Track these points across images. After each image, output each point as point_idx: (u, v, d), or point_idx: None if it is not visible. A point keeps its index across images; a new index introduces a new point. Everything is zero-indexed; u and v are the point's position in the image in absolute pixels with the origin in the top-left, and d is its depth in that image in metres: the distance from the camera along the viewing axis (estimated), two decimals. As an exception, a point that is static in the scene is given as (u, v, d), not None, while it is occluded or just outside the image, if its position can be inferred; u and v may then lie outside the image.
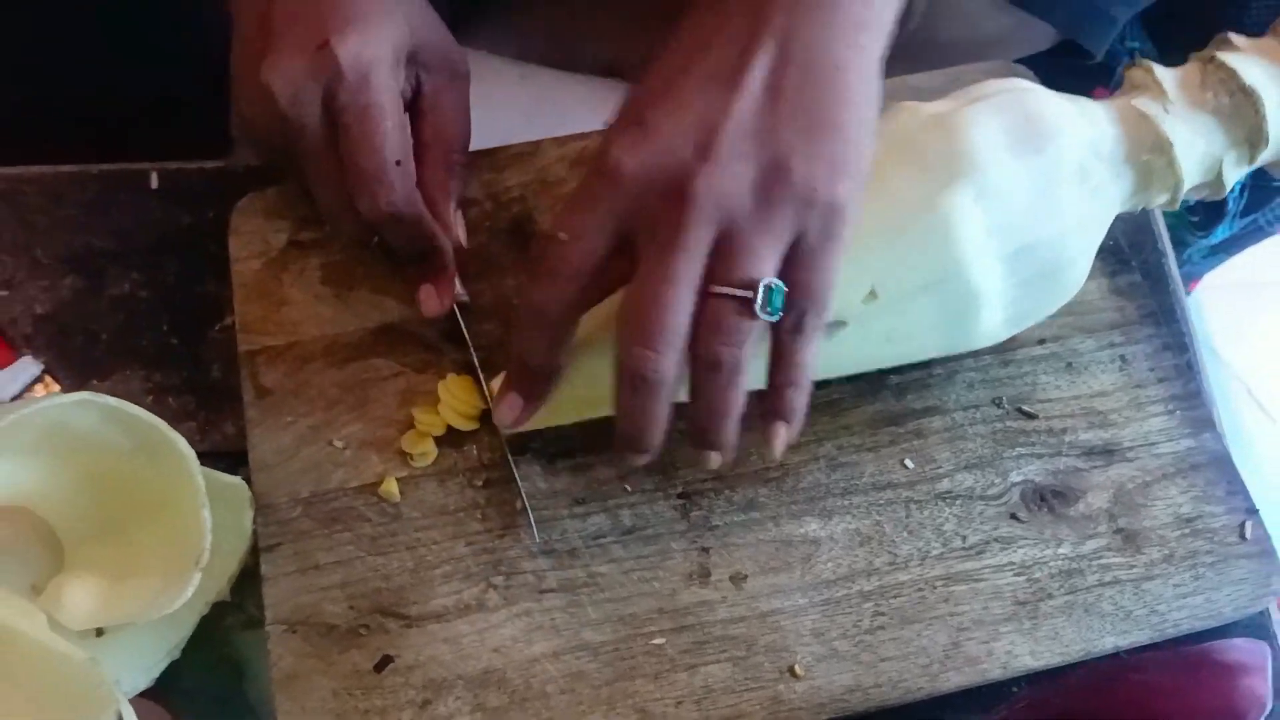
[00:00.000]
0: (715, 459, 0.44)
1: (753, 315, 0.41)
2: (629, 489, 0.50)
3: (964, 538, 0.49)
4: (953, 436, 0.51)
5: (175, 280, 0.56)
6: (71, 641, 0.42)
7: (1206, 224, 0.84)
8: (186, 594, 0.43)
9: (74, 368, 0.54)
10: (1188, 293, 1.07)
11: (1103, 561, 0.49)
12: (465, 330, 0.52)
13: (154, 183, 0.58)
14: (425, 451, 0.49)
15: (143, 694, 0.47)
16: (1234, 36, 0.49)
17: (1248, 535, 0.50)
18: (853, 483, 0.50)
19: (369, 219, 0.49)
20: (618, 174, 0.41)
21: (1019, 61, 0.64)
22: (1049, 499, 0.50)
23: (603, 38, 0.69)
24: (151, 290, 0.56)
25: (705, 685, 0.46)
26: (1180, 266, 0.92)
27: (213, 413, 0.53)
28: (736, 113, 0.40)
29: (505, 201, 0.56)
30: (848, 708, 0.46)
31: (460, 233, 0.53)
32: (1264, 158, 0.49)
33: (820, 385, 0.48)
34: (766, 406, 0.43)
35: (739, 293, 0.40)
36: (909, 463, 0.51)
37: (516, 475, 0.49)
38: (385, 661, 0.46)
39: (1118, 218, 0.51)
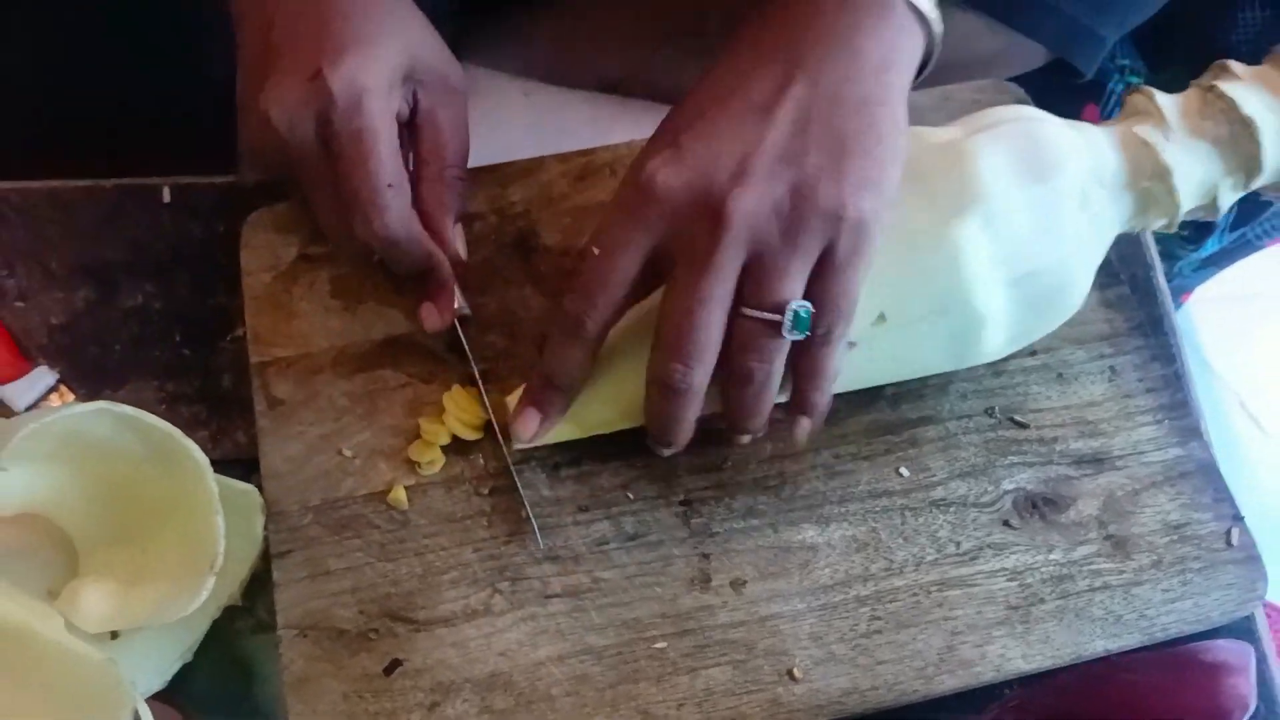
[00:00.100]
0: (746, 438, 0.48)
1: (779, 335, 0.44)
2: (631, 496, 0.51)
3: (958, 544, 0.51)
4: (947, 445, 0.53)
5: (187, 292, 0.57)
6: (87, 644, 0.43)
7: (1196, 238, 0.85)
8: (201, 598, 0.45)
9: (88, 377, 0.55)
10: (1180, 305, 1.09)
11: (1093, 567, 0.50)
12: (466, 343, 0.53)
13: (166, 197, 0.59)
14: (433, 460, 0.51)
15: (155, 696, 0.48)
16: (1234, 65, 0.50)
17: (1234, 542, 0.51)
18: (849, 490, 0.52)
19: (364, 241, 0.50)
20: (655, 192, 0.43)
21: (1011, 80, 0.65)
22: (1040, 506, 0.52)
23: (605, 56, 0.71)
24: (164, 302, 0.57)
25: (706, 688, 0.47)
26: (1171, 280, 0.94)
27: (224, 421, 0.54)
28: (770, 140, 0.43)
29: (510, 216, 0.57)
30: (845, 709, 0.47)
31: (460, 247, 0.53)
32: (1257, 184, 0.50)
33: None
34: (791, 403, 0.47)
35: (768, 316, 0.43)
36: (904, 471, 0.52)
37: (519, 485, 0.50)
38: (394, 665, 0.47)
39: (1109, 229, 0.53)
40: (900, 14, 0.45)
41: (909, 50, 0.45)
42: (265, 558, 0.49)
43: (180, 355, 0.56)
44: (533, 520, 0.50)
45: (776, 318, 0.43)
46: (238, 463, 0.52)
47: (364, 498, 0.50)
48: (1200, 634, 0.49)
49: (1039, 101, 0.52)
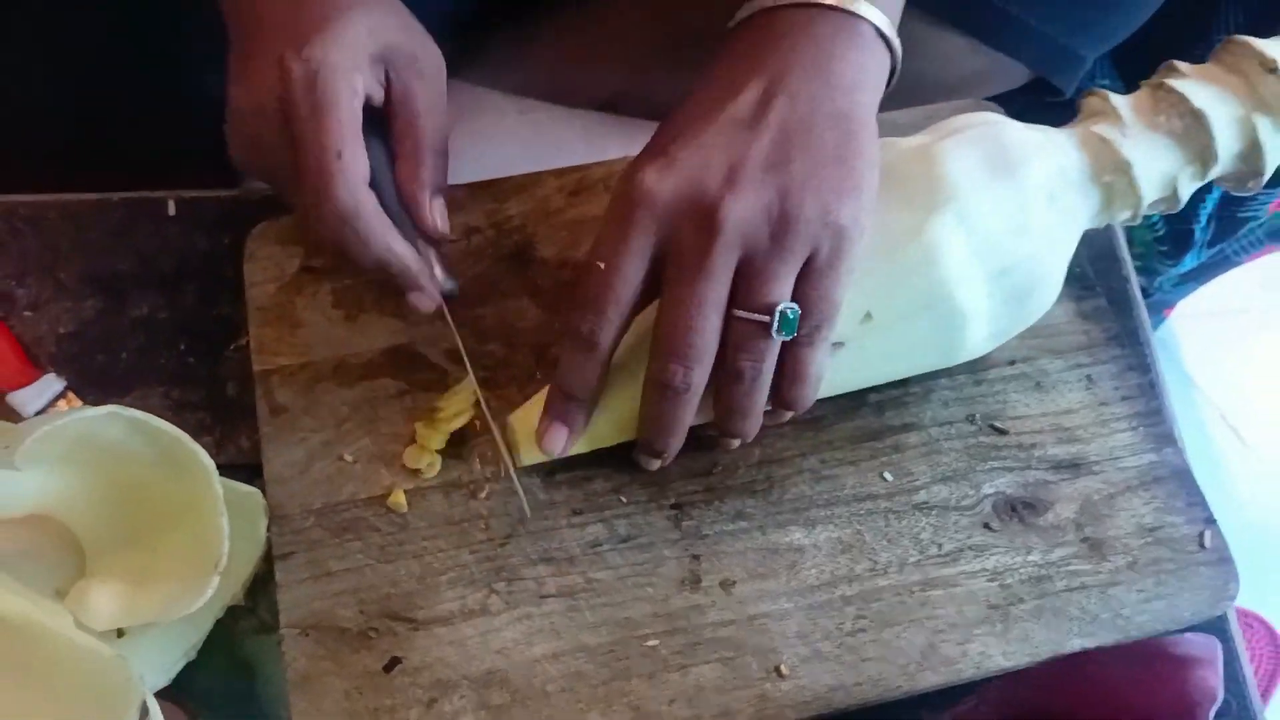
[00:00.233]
0: (736, 443, 0.50)
1: (769, 336, 0.45)
2: (624, 500, 0.52)
3: (940, 546, 0.52)
4: (929, 451, 0.54)
5: (192, 303, 0.59)
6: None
7: (1175, 253, 0.87)
8: (205, 596, 0.46)
9: (95, 386, 0.56)
10: (1163, 320, 1.11)
11: (1070, 568, 0.52)
12: (450, 318, 0.52)
13: (172, 210, 0.61)
14: (430, 463, 0.52)
15: (161, 695, 0.49)
16: (1180, 64, 0.53)
17: (1207, 544, 0.53)
18: (835, 494, 0.53)
19: (319, 221, 0.48)
20: (651, 200, 0.45)
21: (993, 99, 0.67)
22: (1019, 509, 0.53)
23: (600, 76, 0.73)
24: (170, 312, 0.58)
25: (697, 685, 0.49)
26: (1152, 295, 0.96)
27: (228, 428, 0.56)
28: (756, 149, 0.45)
29: (507, 229, 0.59)
30: (830, 705, 0.49)
31: (439, 218, 0.52)
32: (1214, 173, 0.53)
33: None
34: (776, 397, 0.48)
35: (758, 317, 0.45)
36: (888, 475, 0.54)
37: (514, 475, 0.51)
38: (394, 663, 0.48)
39: (1084, 245, 0.55)
40: (867, 38, 0.48)
41: (875, 71, 0.48)
42: (268, 559, 0.51)
43: (185, 364, 0.57)
44: (520, 494, 0.51)
45: (766, 319, 0.45)
46: (241, 468, 0.53)
47: (364, 501, 0.52)
48: (1173, 633, 0.51)
49: (1020, 120, 0.54)
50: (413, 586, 0.50)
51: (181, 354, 0.57)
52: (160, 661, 0.49)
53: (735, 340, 0.46)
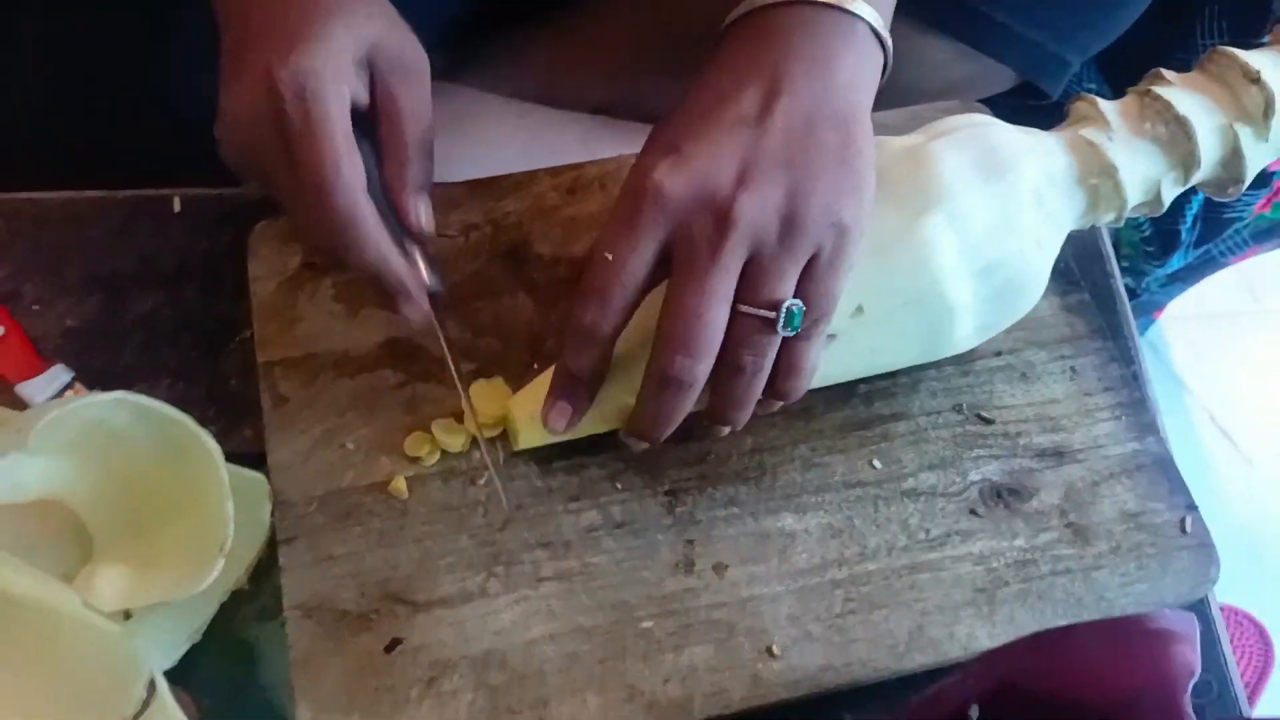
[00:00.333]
0: (726, 430, 0.51)
1: (774, 331, 0.46)
2: (619, 487, 0.54)
3: (927, 531, 0.53)
4: (917, 439, 0.56)
5: (195, 299, 0.60)
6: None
7: (1162, 254, 0.89)
8: (210, 577, 0.47)
9: (101, 380, 0.57)
10: (1153, 321, 1.12)
11: (1054, 553, 0.53)
12: (436, 322, 0.52)
13: (176, 208, 0.62)
14: (430, 450, 0.53)
15: (167, 680, 0.50)
16: (1166, 72, 0.54)
17: (1188, 529, 0.54)
18: (825, 481, 0.54)
19: (314, 225, 0.48)
20: (661, 195, 0.45)
21: (980, 102, 0.69)
22: (1005, 496, 0.55)
23: (596, 80, 0.74)
24: (172, 308, 0.59)
25: (690, 665, 0.50)
26: (1140, 295, 0.98)
27: (231, 420, 0.57)
28: (766, 147, 0.46)
29: (504, 227, 0.60)
30: (820, 685, 0.50)
31: (424, 217, 0.51)
32: (1196, 179, 0.54)
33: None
34: (771, 388, 0.49)
35: (764, 313, 0.46)
36: (877, 463, 0.55)
37: (489, 462, 0.53)
38: (394, 644, 0.50)
39: (1069, 243, 0.56)
40: (862, 38, 0.48)
41: (870, 70, 0.49)
42: (271, 545, 0.52)
43: (189, 358, 0.58)
44: (497, 481, 0.52)
45: (771, 315, 0.46)
46: (244, 457, 0.54)
47: (365, 488, 0.53)
48: (1155, 614, 0.52)
49: (1006, 121, 0.56)
50: (413, 570, 0.51)
51: (184, 349, 0.59)
52: (165, 644, 0.50)
53: (739, 335, 0.47)
